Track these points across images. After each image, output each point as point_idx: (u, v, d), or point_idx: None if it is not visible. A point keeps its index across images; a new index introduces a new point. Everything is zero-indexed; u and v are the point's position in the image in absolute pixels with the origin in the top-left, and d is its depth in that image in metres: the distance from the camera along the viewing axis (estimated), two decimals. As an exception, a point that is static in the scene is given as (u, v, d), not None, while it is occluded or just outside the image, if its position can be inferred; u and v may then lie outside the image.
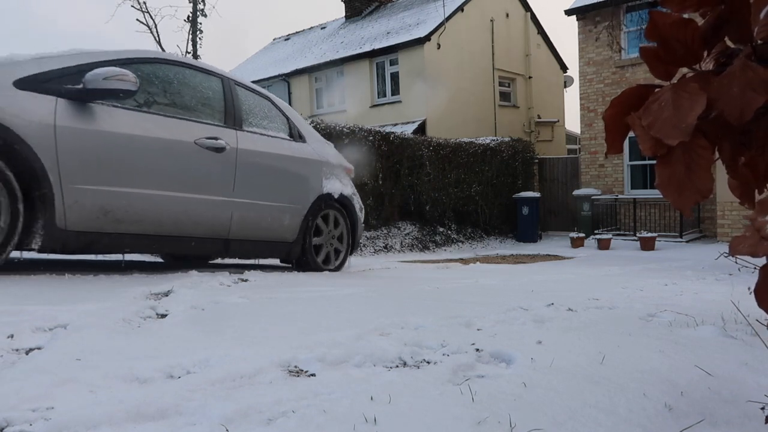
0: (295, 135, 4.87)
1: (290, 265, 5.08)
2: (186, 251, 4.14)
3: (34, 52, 3.36)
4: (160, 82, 3.85)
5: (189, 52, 7.63)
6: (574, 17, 13.60)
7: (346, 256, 5.28)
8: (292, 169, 4.63)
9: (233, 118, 4.24)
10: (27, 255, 3.58)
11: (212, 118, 4.10)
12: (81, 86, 3.24)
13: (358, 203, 5.35)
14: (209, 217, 3.99)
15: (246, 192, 4.20)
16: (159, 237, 3.74)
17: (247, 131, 4.34)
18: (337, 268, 5.21)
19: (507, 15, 18.21)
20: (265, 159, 4.39)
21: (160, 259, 5.80)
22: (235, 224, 4.17)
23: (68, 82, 3.25)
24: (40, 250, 3.31)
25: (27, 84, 3.10)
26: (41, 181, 3.07)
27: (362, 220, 5.42)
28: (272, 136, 4.59)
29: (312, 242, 4.84)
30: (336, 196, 4.99)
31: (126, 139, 3.45)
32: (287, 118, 4.87)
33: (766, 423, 1.24)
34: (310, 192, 4.75)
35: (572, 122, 30.06)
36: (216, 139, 3.99)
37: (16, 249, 3.17)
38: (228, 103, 4.24)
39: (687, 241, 11.35)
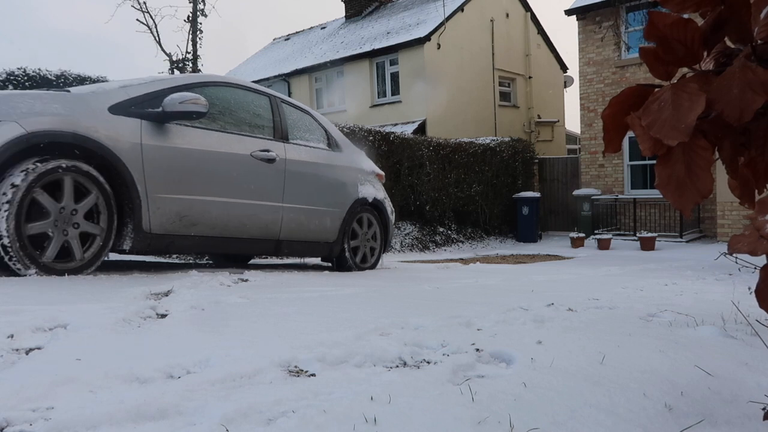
0: (333, 145, 5.31)
1: (330, 264, 5.51)
2: (245, 251, 4.74)
3: (119, 81, 3.96)
4: (219, 102, 4.29)
5: (189, 52, 7.62)
6: (574, 17, 13.60)
7: (379, 254, 5.71)
8: (331, 176, 5.07)
9: (280, 132, 4.71)
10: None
11: (263, 133, 4.57)
12: (160, 109, 3.72)
13: (389, 206, 5.80)
14: (264, 220, 4.45)
15: (293, 197, 4.66)
16: (224, 238, 4.22)
17: (293, 143, 4.80)
18: (372, 266, 5.63)
19: (507, 15, 18.20)
20: (308, 168, 4.83)
21: (161, 260, 5.81)
22: (284, 226, 4.63)
23: (149, 106, 3.74)
24: (129, 251, 3.80)
25: (118, 109, 3.58)
26: (131, 191, 3.56)
27: (393, 221, 5.88)
28: (313, 147, 5.04)
29: (350, 242, 5.32)
30: (370, 200, 5.45)
31: (196, 153, 3.94)
32: (325, 130, 5.32)
33: (765, 420, 1.24)
34: (348, 197, 5.19)
35: (572, 122, 30.05)
36: (268, 151, 4.46)
37: (111, 250, 3.66)
38: (275, 118, 4.72)
39: (687, 241, 11.35)
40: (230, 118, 4.32)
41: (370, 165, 5.75)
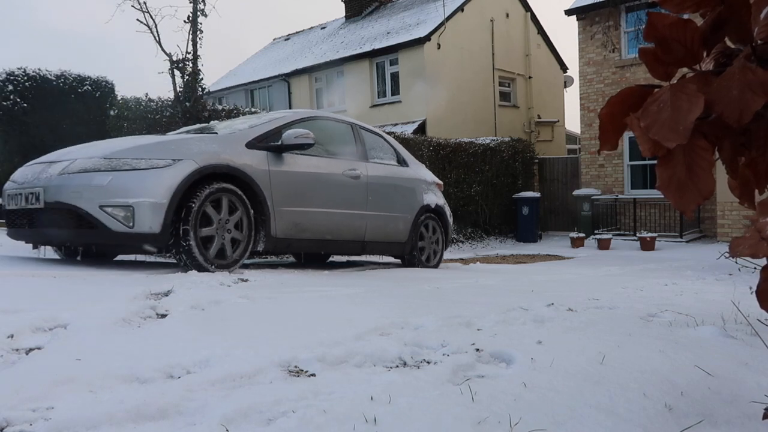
0: (401, 161, 6.33)
1: (401, 262, 6.35)
2: (340, 251, 5.87)
3: (248, 122, 4.99)
4: (317, 132, 5.08)
5: (189, 52, 7.60)
6: (574, 17, 13.60)
7: (442, 252, 6.64)
8: (402, 187, 6.06)
9: (362, 153, 5.73)
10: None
11: (349, 155, 5.56)
12: (280, 143, 4.72)
13: (448, 211, 6.76)
14: (353, 226, 5.45)
15: (374, 206, 5.63)
16: (325, 240, 5.25)
17: (371, 162, 5.79)
18: (436, 265, 6.50)
19: (507, 15, 18.19)
20: (384, 181, 5.82)
21: (161, 259, 5.83)
22: (368, 230, 5.60)
23: (271, 141, 4.74)
24: (261, 253, 4.78)
25: (251, 145, 4.60)
26: (263, 206, 4.54)
27: (451, 223, 6.85)
28: (387, 164, 6.05)
29: (418, 243, 6.24)
30: (433, 207, 6.37)
31: (305, 175, 4.96)
32: (394, 149, 6.35)
33: (764, 419, 1.24)
34: (415, 204, 6.15)
35: (572, 122, 30.00)
36: (354, 170, 5.45)
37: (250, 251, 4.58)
38: (357, 142, 5.76)
39: (687, 241, 11.35)
40: (325, 145, 5.32)
41: (431, 176, 6.74)
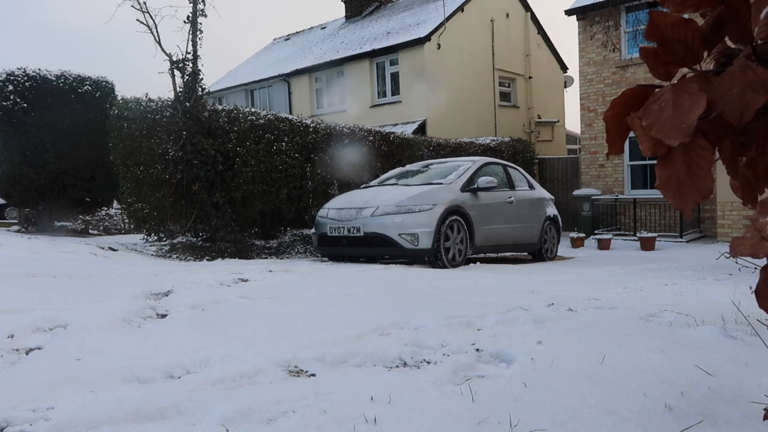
0: (530, 186, 8.83)
1: (532, 257, 8.89)
2: (503, 251, 8.20)
3: (455, 168, 7.73)
4: (489, 173, 7.76)
5: (189, 53, 7.59)
6: (574, 17, 13.60)
7: (556, 249, 9.19)
8: (533, 205, 8.56)
9: (510, 184, 8.24)
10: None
11: (504, 186, 8.05)
12: (475, 186, 7.28)
13: (559, 217, 9.29)
14: (510, 234, 7.95)
15: (520, 220, 8.12)
16: (498, 245, 7.77)
17: (516, 190, 8.26)
18: (553, 258, 9.00)
19: (507, 15, 18.18)
20: (524, 202, 8.31)
21: (161, 259, 5.85)
22: (517, 236, 8.10)
23: (470, 185, 7.27)
24: (471, 254, 7.11)
25: (462, 188, 7.13)
26: (471, 227, 7.03)
27: (561, 227, 9.37)
28: (523, 189, 8.53)
29: (544, 243, 8.77)
30: (551, 216, 8.96)
31: (488, 204, 7.45)
32: (525, 177, 8.87)
33: (764, 419, 1.24)
34: (540, 216, 8.68)
35: (572, 122, 29.99)
36: (510, 197, 7.97)
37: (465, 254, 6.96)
38: (507, 176, 8.29)
39: (687, 241, 11.35)
40: (494, 181, 7.54)
41: (548, 194, 9.29)
